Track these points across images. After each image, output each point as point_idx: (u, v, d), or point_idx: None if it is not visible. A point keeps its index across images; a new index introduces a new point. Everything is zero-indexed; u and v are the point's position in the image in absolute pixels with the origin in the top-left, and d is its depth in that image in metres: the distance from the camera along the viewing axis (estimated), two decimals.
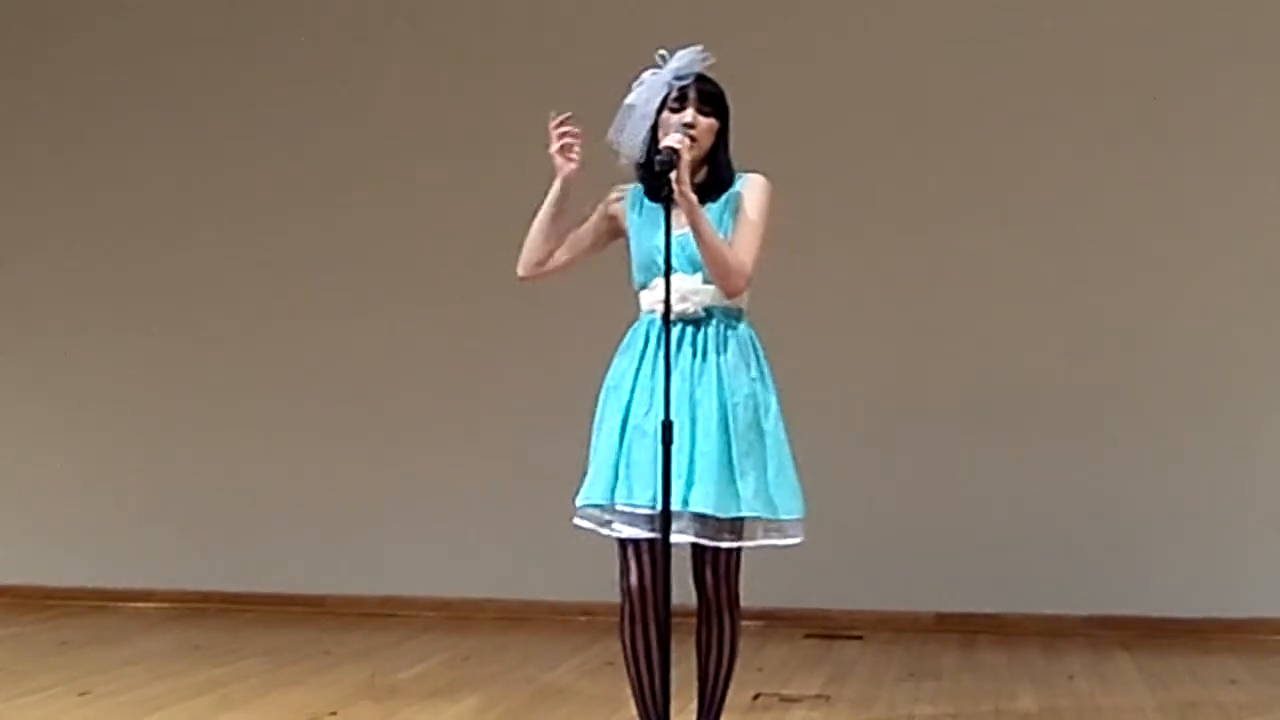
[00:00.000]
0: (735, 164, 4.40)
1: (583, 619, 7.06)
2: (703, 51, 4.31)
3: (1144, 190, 7.10)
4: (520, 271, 4.50)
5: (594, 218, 4.50)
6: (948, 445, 7.16)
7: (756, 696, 5.49)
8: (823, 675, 6.02)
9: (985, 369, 7.14)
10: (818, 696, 5.60)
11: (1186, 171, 7.06)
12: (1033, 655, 6.48)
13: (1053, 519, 7.02)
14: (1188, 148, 7.07)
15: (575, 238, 4.49)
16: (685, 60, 4.29)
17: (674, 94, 4.29)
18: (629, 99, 4.34)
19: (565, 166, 4.34)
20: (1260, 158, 7.04)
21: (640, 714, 4.41)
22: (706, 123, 4.28)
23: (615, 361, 4.41)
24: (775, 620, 6.94)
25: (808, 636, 6.86)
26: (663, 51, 4.32)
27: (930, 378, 7.19)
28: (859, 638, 6.85)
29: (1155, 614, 6.91)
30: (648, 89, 4.31)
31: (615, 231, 4.48)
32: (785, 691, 5.64)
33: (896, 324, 7.23)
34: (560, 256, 4.48)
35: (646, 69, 4.34)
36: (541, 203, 4.44)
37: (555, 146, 4.33)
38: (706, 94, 4.30)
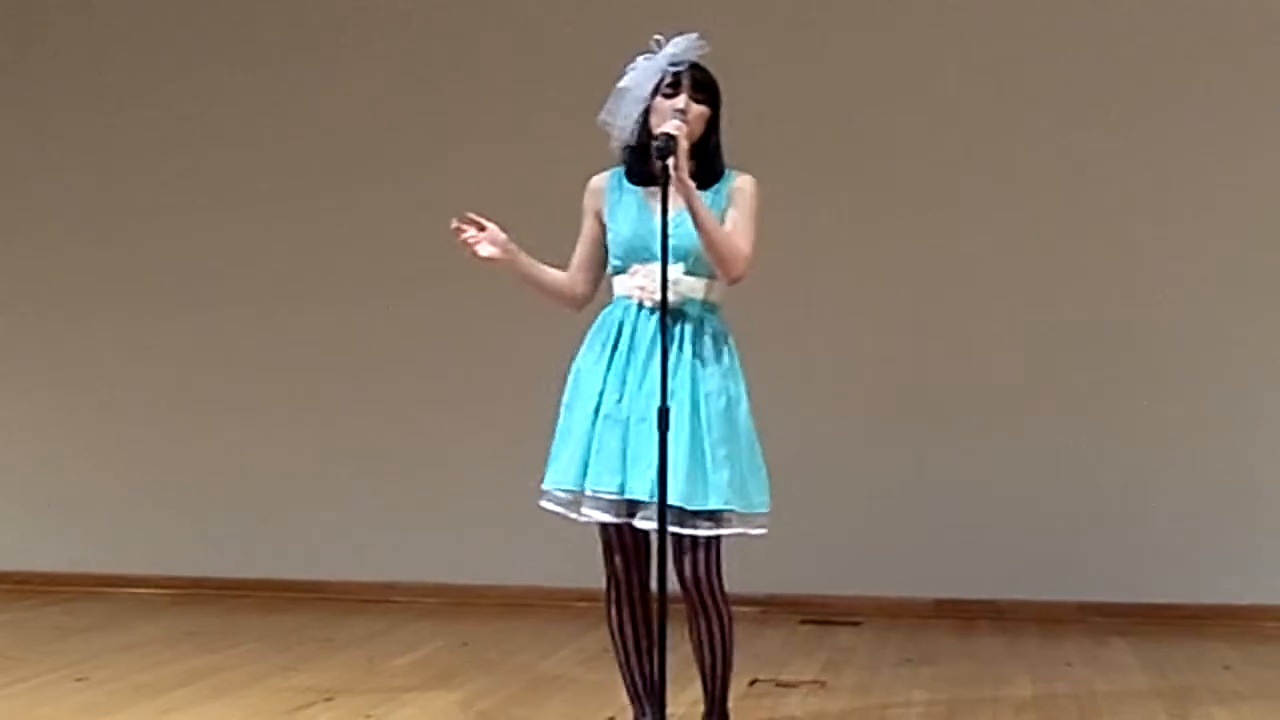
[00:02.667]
0: (728, 159, 4.39)
1: (581, 605, 7.03)
2: (698, 39, 4.31)
3: (1149, 183, 7.09)
4: (574, 312, 4.54)
5: (586, 224, 4.50)
6: (945, 433, 7.16)
7: (753, 682, 5.49)
8: (820, 661, 6.02)
9: (983, 358, 7.15)
10: (814, 682, 5.60)
11: (1188, 166, 7.04)
12: (1030, 642, 6.50)
13: (1050, 506, 7.03)
14: (1188, 143, 7.06)
15: (587, 256, 4.50)
16: (681, 47, 4.30)
17: (668, 79, 4.29)
18: (622, 82, 4.34)
19: (491, 260, 4.44)
20: (1260, 156, 7.03)
21: (630, 696, 4.44)
22: (698, 110, 4.28)
23: (585, 345, 4.42)
24: (772, 606, 6.95)
25: (805, 622, 6.87)
26: (658, 36, 4.33)
27: (928, 366, 7.19)
28: (857, 624, 6.86)
29: (1151, 601, 6.92)
30: (641, 73, 4.32)
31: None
32: (782, 677, 5.64)
33: (894, 314, 7.23)
34: (587, 280, 4.51)
35: (641, 54, 4.35)
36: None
37: (468, 254, 4.45)
38: (699, 81, 4.30)
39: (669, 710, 4.21)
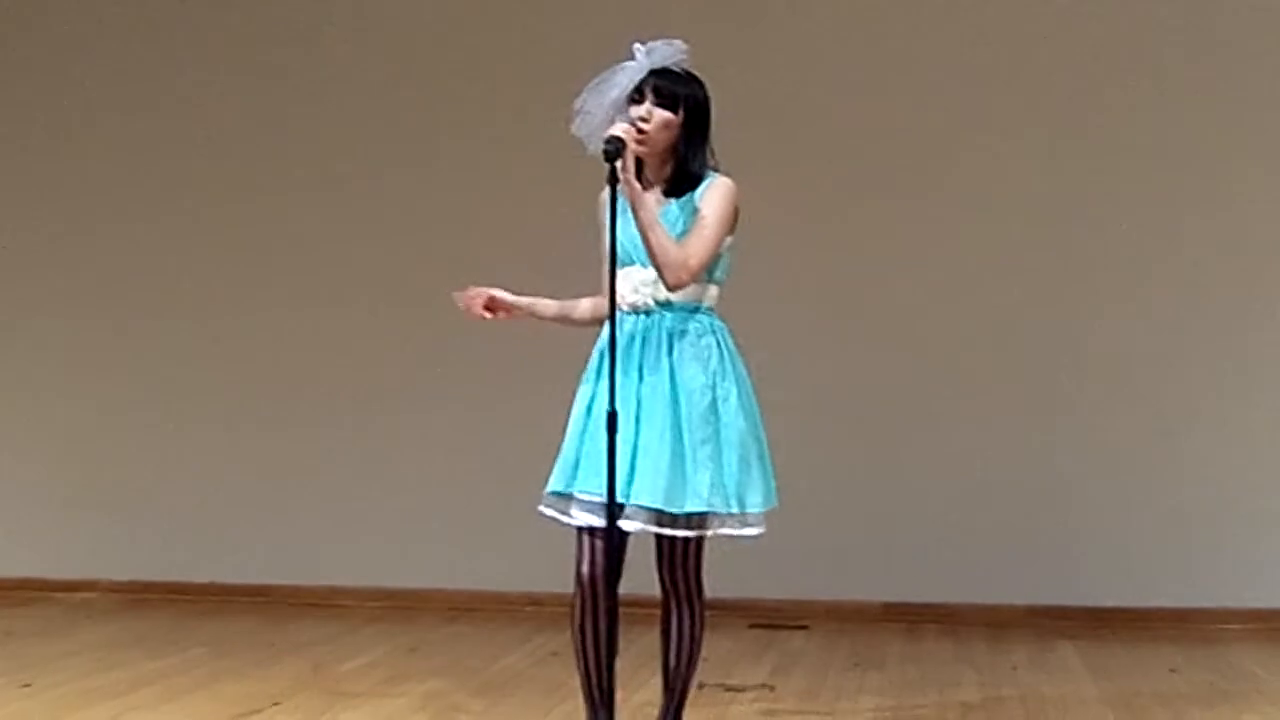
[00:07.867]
0: (720, 163, 4.38)
1: (529, 609, 7.05)
2: (678, 46, 4.32)
3: (1125, 190, 7.11)
4: None
5: (602, 239, 4.46)
6: (894, 436, 7.18)
7: (701, 686, 5.46)
8: (768, 665, 6.04)
9: (931, 361, 7.17)
10: (762, 686, 5.61)
11: (1175, 167, 7.08)
12: (977, 645, 6.52)
13: (998, 510, 7.06)
14: (1182, 146, 7.11)
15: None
16: (657, 55, 4.30)
17: (634, 88, 4.29)
18: (579, 99, 4.36)
19: (505, 319, 4.58)
20: (1241, 158, 7.09)
21: (586, 702, 4.42)
22: (663, 115, 4.27)
23: (592, 354, 4.43)
24: (720, 610, 6.82)
25: (753, 626, 6.87)
26: (638, 45, 4.32)
27: (875, 369, 7.20)
28: (805, 628, 6.87)
29: (1098, 604, 6.97)
30: (608, 83, 4.32)
31: None
32: (730, 681, 5.64)
33: (844, 317, 7.23)
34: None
35: (622, 63, 4.33)
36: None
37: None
38: (662, 88, 4.28)
39: (617, 715, 4.21)
